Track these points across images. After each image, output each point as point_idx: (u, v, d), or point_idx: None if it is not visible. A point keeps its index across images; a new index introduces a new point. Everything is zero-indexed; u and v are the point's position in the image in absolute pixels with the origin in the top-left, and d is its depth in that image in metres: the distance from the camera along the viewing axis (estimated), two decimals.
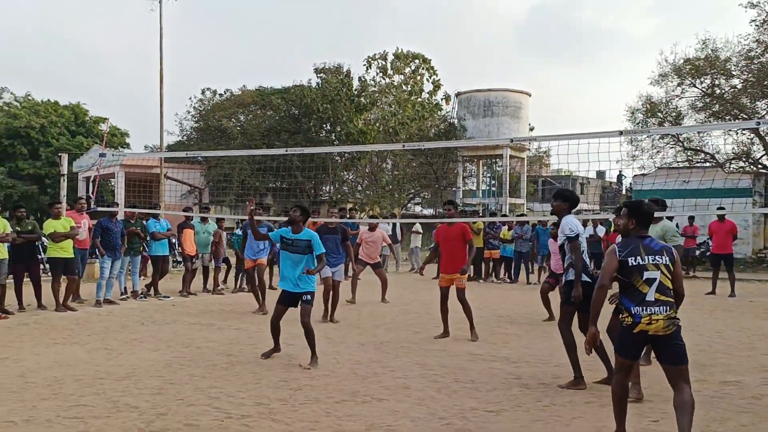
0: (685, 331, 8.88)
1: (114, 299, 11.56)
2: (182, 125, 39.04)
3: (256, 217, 7.56)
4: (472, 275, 17.04)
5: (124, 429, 4.79)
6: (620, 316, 4.50)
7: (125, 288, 12.23)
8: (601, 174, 42.83)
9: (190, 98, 40.04)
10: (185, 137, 38.64)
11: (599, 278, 4.63)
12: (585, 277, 6.21)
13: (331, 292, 10.11)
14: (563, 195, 6.60)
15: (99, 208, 12.21)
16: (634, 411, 5.39)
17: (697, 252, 19.15)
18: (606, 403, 5.57)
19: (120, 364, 6.88)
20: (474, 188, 36.79)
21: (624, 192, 32.74)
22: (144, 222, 12.40)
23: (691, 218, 17.67)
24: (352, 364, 7.07)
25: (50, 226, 10.85)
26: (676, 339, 4.38)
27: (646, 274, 4.43)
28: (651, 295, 4.38)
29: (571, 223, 6.33)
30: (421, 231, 20.00)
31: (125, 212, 12.77)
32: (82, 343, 8.02)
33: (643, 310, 4.35)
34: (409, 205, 41.12)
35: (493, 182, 36.75)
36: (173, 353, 7.47)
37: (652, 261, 4.46)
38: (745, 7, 22.79)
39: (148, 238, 12.40)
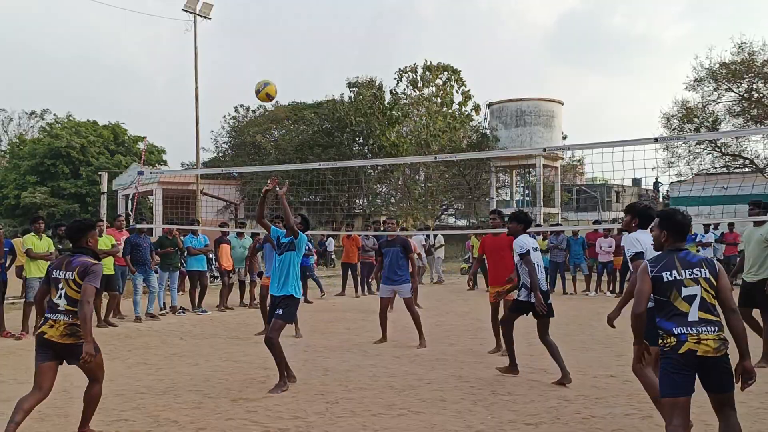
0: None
1: (155, 314, 11.78)
2: (217, 142, 39.76)
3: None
4: None
5: None
6: (659, 341, 3.94)
7: (164, 303, 12.46)
8: (636, 181, 42.15)
9: (224, 116, 40.72)
10: (220, 154, 39.30)
11: (634, 305, 4.05)
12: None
13: (380, 313, 9.33)
14: (518, 217, 7.25)
15: (137, 225, 12.50)
16: None
17: (738, 259, 18.68)
18: (646, 414, 5.47)
19: (160, 378, 7.01)
20: (508, 198, 36.54)
21: (661, 199, 32.15)
22: (180, 238, 12.63)
23: (731, 225, 17.28)
24: (387, 377, 7.08)
25: None
26: (726, 363, 3.84)
27: (685, 291, 3.91)
28: (694, 314, 3.86)
29: (521, 241, 7.01)
30: (443, 243, 19.74)
31: (163, 229, 13.04)
32: (123, 358, 8.19)
33: (688, 329, 3.83)
34: (442, 216, 41.02)
35: (526, 192, 36.46)
36: (212, 367, 7.58)
37: (690, 276, 3.94)
38: None
39: (185, 254, 12.63)
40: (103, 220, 12.01)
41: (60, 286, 4.75)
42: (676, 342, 3.82)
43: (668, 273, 3.96)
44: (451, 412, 5.69)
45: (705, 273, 3.95)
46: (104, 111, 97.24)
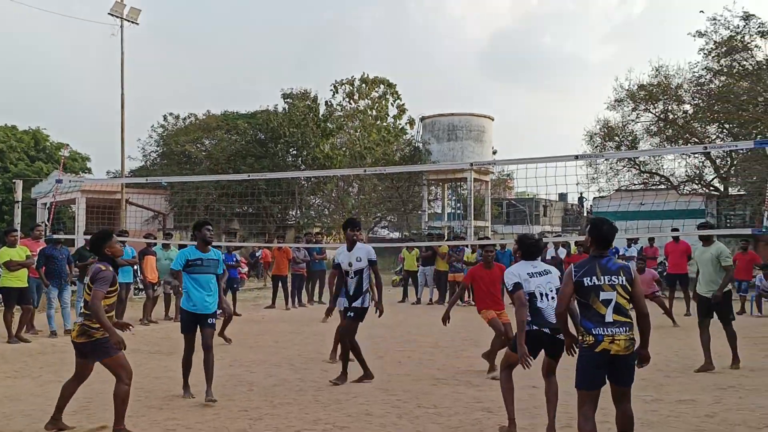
0: None
1: (72, 329, 11.27)
2: (145, 150, 38.57)
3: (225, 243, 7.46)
4: (436, 299, 17.12)
5: None
6: (580, 337, 4.47)
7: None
8: (563, 196, 43.54)
9: (152, 125, 39.56)
10: (148, 162, 38.17)
11: (557, 305, 4.67)
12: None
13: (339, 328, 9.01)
14: (359, 225, 7.88)
15: (54, 236, 11.95)
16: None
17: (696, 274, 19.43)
18: (565, 424, 5.62)
19: (74, 397, 6.68)
20: (439, 211, 37.02)
21: (585, 214, 33.33)
22: None
23: (651, 240, 18.03)
24: (314, 391, 7.03)
25: (5, 254, 10.59)
26: (632, 360, 4.39)
27: (603, 295, 4.39)
28: (609, 316, 4.35)
29: (371, 249, 7.56)
30: None
31: (85, 240, 12.53)
32: (35, 375, 7.80)
33: (604, 330, 4.33)
34: (375, 228, 41.15)
35: (458, 205, 37.04)
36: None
37: (608, 282, 4.40)
38: (694, 36, 23.67)
39: None
40: (17, 230, 11.42)
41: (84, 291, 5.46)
42: (594, 341, 4.34)
43: (589, 278, 4.43)
44: (376, 426, 5.68)
45: (622, 280, 4.42)
46: (24, 116, 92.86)
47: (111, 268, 5.44)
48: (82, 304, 5.42)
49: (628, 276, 4.43)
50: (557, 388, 5.34)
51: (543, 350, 5.37)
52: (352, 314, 7.53)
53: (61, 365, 8.41)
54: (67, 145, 26.08)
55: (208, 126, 35.62)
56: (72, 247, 13.71)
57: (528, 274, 5.41)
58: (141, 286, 15.40)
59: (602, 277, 4.41)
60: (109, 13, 23.81)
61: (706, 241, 8.44)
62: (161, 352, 9.48)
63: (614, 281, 4.40)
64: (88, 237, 12.48)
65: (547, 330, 5.27)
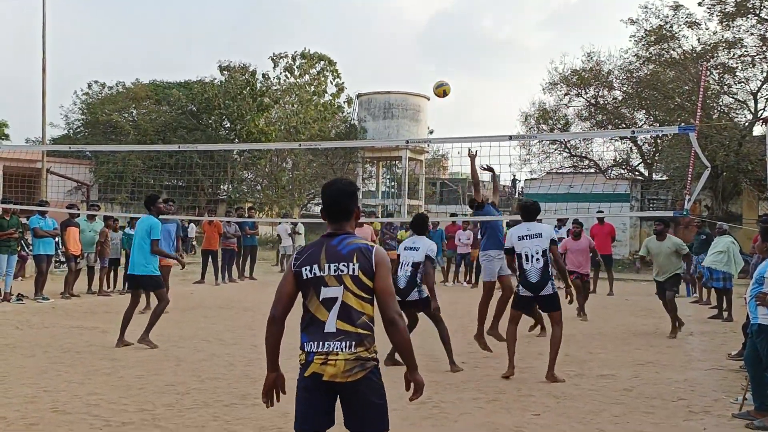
0: (567, 328, 9.20)
1: None
2: (68, 118, 36.84)
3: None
4: None
5: None
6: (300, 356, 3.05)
7: None
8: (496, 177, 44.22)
9: (75, 91, 37.79)
10: (71, 131, 36.52)
11: (272, 308, 3.08)
12: None
13: None
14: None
15: None
16: (518, 405, 5.61)
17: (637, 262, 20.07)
18: (492, 398, 5.76)
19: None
20: (374, 189, 37.09)
21: (516, 195, 34.07)
22: (21, 220, 11.62)
23: (576, 222, 18.52)
24: (244, 365, 6.94)
25: None
26: (367, 393, 2.95)
27: (324, 292, 2.95)
28: (331, 324, 2.93)
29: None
30: (302, 232, 19.21)
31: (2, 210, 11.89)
32: None
33: (318, 346, 2.93)
34: (309, 205, 40.87)
35: (392, 183, 37.20)
36: (50, 359, 7.04)
37: (334, 272, 2.95)
38: (626, 23, 24.36)
39: (29, 238, 11.64)
40: None
41: None
42: (305, 361, 2.99)
43: (309, 268, 3.00)
44: None
45: (353, 269, 2.95)
46: None
47: None
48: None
49: (365, 262, 2.94)
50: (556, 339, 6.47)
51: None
52: None
53: None
54: None
55: (136, 96, 34.37)
56: None
57: (518, 237, 6.47)
58: (63, 259, 14.78)
59: (327, 266, 2.96)
60: None
61: (660, 235, 9.38)
62: (82, 327, 9.14)
63: (342, 271, 2.94)
64: (3, 206, 11.90)
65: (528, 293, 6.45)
